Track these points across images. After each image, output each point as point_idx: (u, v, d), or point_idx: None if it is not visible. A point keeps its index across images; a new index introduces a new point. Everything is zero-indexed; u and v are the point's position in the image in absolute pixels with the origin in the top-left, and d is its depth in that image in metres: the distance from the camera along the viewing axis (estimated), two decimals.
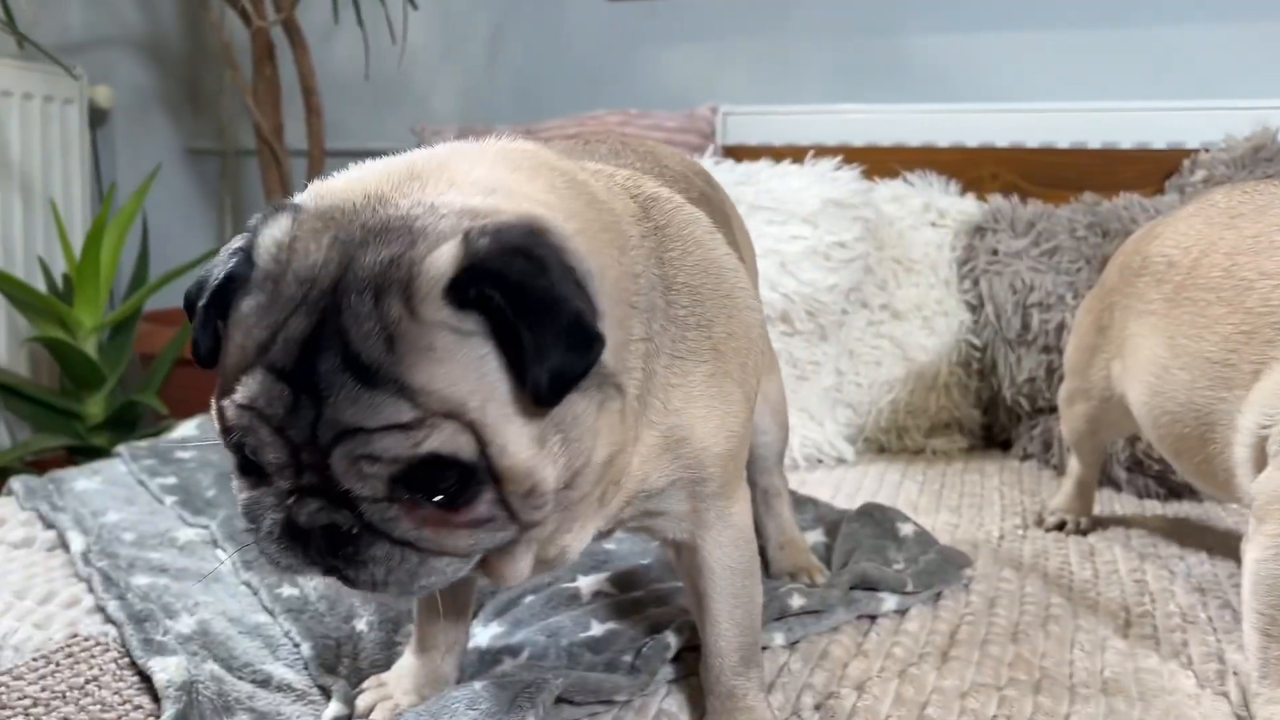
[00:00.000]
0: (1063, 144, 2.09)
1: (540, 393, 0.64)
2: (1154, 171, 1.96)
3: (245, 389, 0.65)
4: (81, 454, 2.05)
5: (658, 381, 0.78)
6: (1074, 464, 1.50)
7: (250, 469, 0.69)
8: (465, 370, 0.64)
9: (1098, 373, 1.35)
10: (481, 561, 0.71)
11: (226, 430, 0.67)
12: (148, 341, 2.23)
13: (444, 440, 0.63)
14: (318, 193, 0.72)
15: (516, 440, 0.65)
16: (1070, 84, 2.13)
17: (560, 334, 0.64)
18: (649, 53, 2.47)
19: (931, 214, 1.96)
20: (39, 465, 2.04)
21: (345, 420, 0.63)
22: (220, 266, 0.70)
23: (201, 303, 0.70)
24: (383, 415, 0.63)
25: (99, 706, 0.94)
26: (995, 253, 1.86)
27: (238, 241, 0.71)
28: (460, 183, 0.71)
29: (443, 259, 0.64)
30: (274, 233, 0.69)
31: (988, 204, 1.97)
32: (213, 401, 0.70)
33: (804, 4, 2.33)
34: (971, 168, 2.11)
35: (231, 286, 0.69)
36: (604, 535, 0.87)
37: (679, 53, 2.44)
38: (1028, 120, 2.11)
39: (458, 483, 0.65)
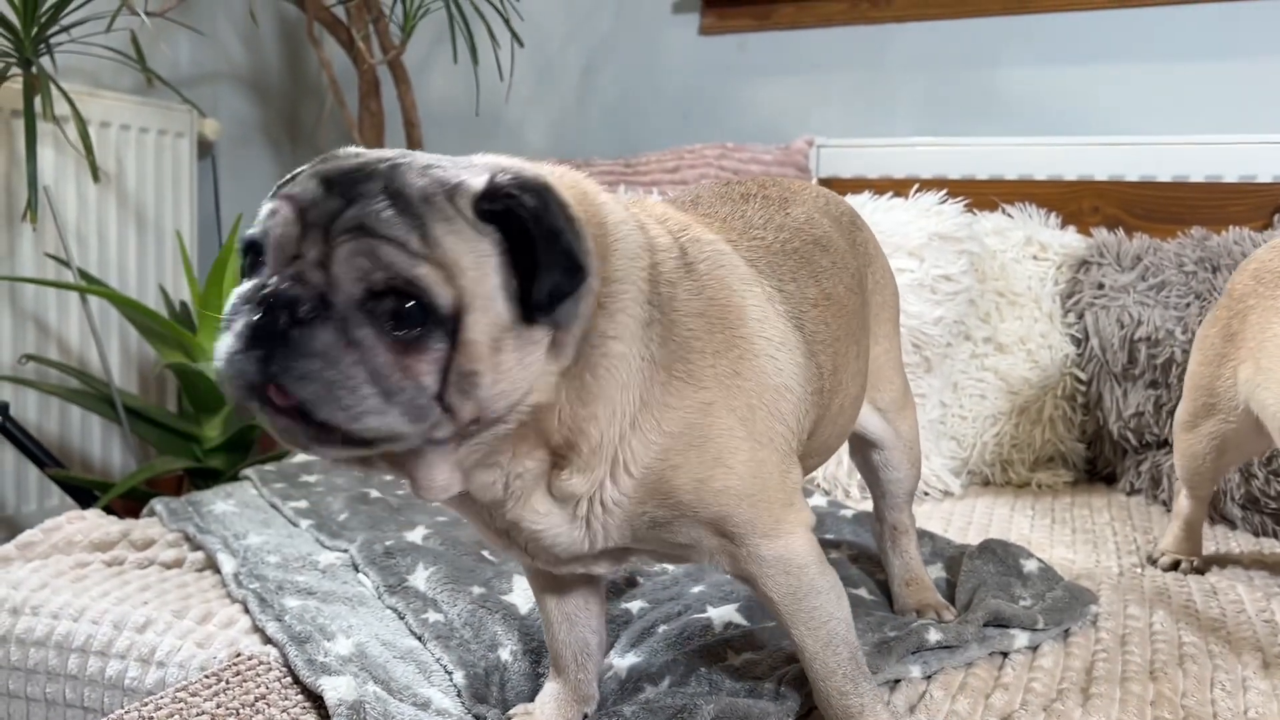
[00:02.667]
0: (1164, 177, 2.08)
1: (539, 300, 0.74)
2: (1263, 205, 1.95)
3: (289, 188, 0.75)
4: (198, 476, 2.13)
5: (650, 398, 0.83)
6: (1182, 502, 1.49)
7: (249, 267, 0.76)
8: (471, 252, 0.74)
9: (1225, 382, 1.35)
10: (401, 465, 0.78)
11: (251, 226, 0.75)
12: None
13: (432, 279, 0.72)
14: None
15: (485, 328, 0.74)
16: (1170, 117, 2.12)
17: (558, 256, 0.75)
18: (741, 86, 2.51)
19: (1034, 247, 1.97)
20: (152, 486, 2.12)
21: (365, 219, 0.72)
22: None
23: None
24: (397, 231, 0.72)
25: None
26: (1101, 286, 1.86)
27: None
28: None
29: (475, 179, 0.76)
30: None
31: (1091, 237, 1.97)
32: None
33: (898, 36, 2.35)
34: (1070, 201, 2.11)
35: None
36: (621, 555, 0.91)
37: (772, 86, 2.48)
38: (1127, 153, 2.11)
39: (421, 328, 0.72)
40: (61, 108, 2.05)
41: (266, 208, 0.75)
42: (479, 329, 0.73)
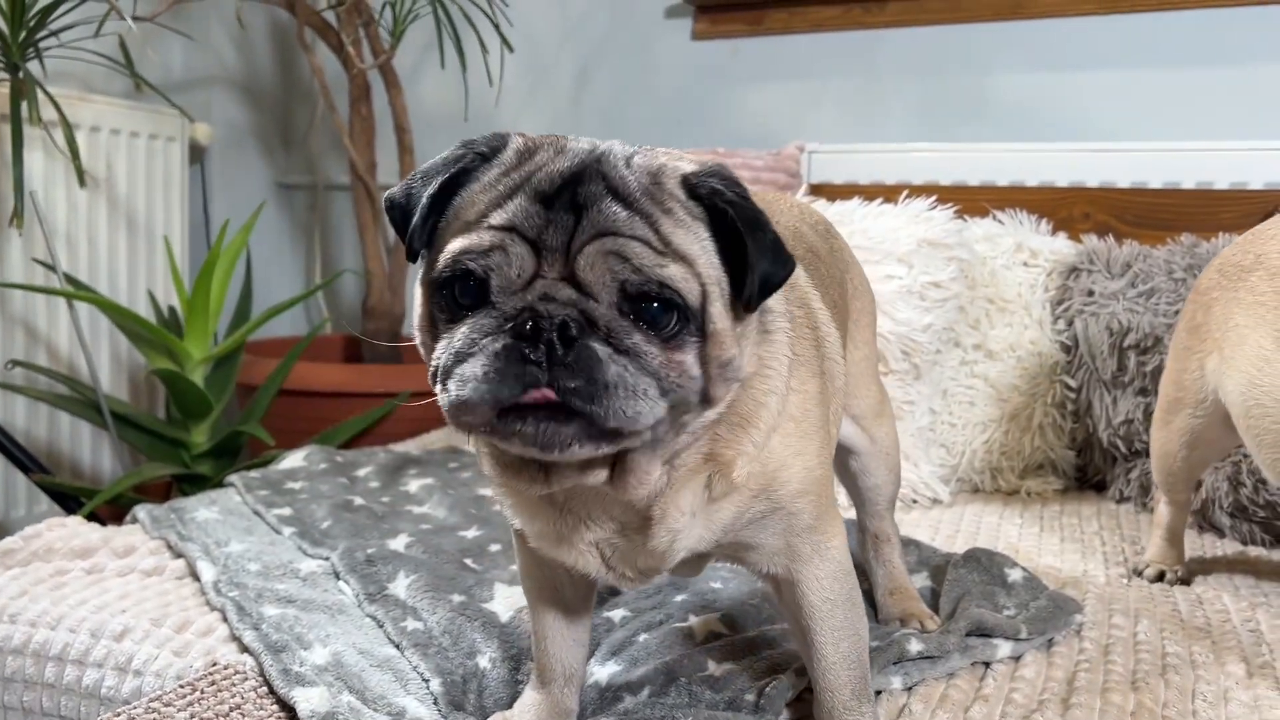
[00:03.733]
0: (1155, 184, 2.07)
1: (751, 291, 0.75)
2: (1255, 211, 1.94)
3: (504, 213, 0.74)
4: (186, 481, 2.12)
5: (779, 411, 0.85)
6: (1161, 510, 1.49)
7: (469, 303, 0.74)
8: (696, 240, 0.75)
9: (1191, 375, 1.35)
10: (614, 466, 0.78)
11: (465, 259, 0.73)
12: (245, 371, 2.30)
13: (680, 275, 0.73)
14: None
15: (724, 315, 0.75)
16: (1162, 123, 2.12)
17: (768, 246, 0.76)
18: (734, 91, 2.50)
19: (1024, 253, 1.96)
20: (140, 491, 2.11)
21: (605, 223, 0.72)
22: (444, 164, 0.78)
23: (429, 190, 0.77)
24: (637, 230, 0.73)
25: None
26: (1091, 293, 1.86)
27: (456, 149, 0.79)
28: None
29: (683, 163, 0.78)
30: (513, 140, 0.79)
31: (1082, 244, 1.96)
32: (419, 287, 0.78)
33: (891, 42, 2.35)
34: (1061, 207, 2.11)
35: (460, 180, 0.77)
36: (701, 560, 0.92)
37: (764, 91, 2.48)
38: (1119, 160, 2.10)
39: (676, 324, 0.73)
40: (50, 113, 2.05)
41: (481, 240, 0.73)
42: (721, 316, 0.75)
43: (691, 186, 0.76)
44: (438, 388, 0.74)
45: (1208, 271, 1.39)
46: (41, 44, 2.06)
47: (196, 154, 2.88)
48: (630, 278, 0.72)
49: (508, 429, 0.71)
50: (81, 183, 2.04)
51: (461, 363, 0.72)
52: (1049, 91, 2.21)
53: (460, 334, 0.73)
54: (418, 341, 0.81)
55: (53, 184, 2.28)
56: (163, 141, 2.61)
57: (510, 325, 0.71)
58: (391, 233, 2.54)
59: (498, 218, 0.73)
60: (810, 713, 1.01)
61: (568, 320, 0.70)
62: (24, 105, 1.97)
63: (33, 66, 2.05)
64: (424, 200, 0.77)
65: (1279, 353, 1.17)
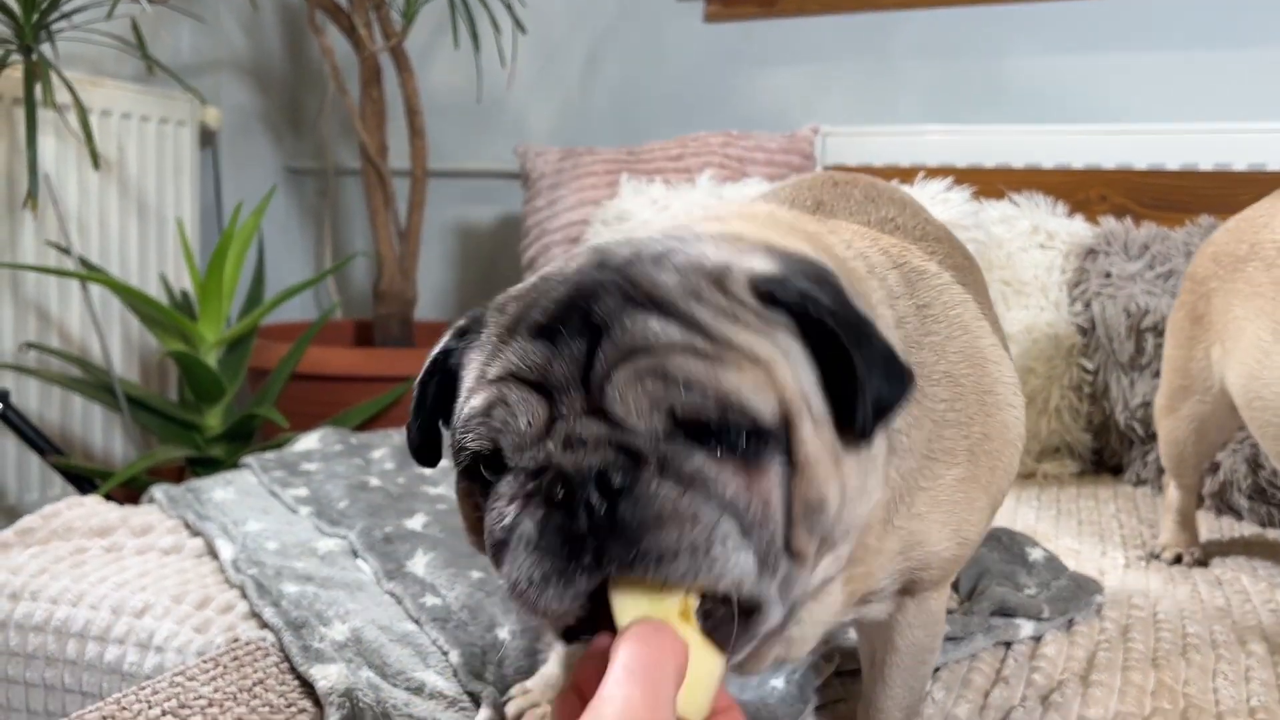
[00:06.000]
0: (1172, 165, 2.06)
1: (865, 421, 0.58)
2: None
3: (498, 364, 0.58)
4: (199, 465, 2.12)
5: (907, 484, 0.71)
6: (1171, 494, 1.48)
7: (493, 475, 0.59)
8: (770, 343, 0.58)
9: (1198, 363, 1.35)
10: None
11: (467, 432, 0.59)
12: (258, 356, 2.30)
13: (745, 383, 0.55)
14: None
15: (816, 438, 0.57)
16: (1179, 105, 2.10)
17: (878, 360, 0.58)
18: (746, 74, 2.49)
19: (1040, 236, 1.95)
20: (154, 474, 2.11)
21: (634, 339, 0.55)
22: (438, 346, 0.66)
23: (418, 379, 0.66)
24: (675, 337, 0.55)
25: (267, 708, 0.98)
26: (1108, 275, 1.85)
27: (436, 348, 0.66)
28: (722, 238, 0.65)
29: (754, 259, 0.60)
30: (494, 303, 0.65)
31: (1099, 226, 1.95)
32: (452, 439, 0.63)
33: (905, 24, 2.33)
34: (1078, 189, 2.10)
35: (448, 361, 0.65)
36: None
37: (777, 74, 2.46)
38: (1135, 142, 2.09)
39: (752, 444, 0.55)
40: (62, 96, 2.04)
41: (477, 403, 0.58)
42: (813, 441, 0.57)
43: (766, 292, 0.58)
44: None
45: (1201, 259, 1.38)
46: (54, 26, 2.06)
47: (207, 138, 2.88)
48: (680, 399, 0.54)
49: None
50: (95, 164, 2.04)
51: (501, 552, 0.57)
52: (1065, 73, 2.20)
53: (492, 514, 0.58)
54: (469, 540, 0.67)
55: (64, 168, 2.27)
56: (173, 125, 2.60)
57: (532, 489, 0.55)
58: (403, 216, 2.53)
59: (493, 370, 0.59)
60: (837, 698, 1.01)
61: (605, 470, 0.53)
62: (38, 88, 1.96)
63: (45, 50, 2.04)
64: (413, 402, 0.66)
65: (1276, 344, 1.16)
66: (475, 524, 0.63)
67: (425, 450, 0.68)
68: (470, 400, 0.60)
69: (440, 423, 0.68)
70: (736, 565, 0.54)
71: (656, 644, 0.52)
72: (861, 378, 0.57)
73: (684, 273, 0.59)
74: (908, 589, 0.80)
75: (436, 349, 0.67)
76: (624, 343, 0.56)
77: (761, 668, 0.65)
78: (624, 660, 0.52)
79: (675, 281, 0.58)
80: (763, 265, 0.61)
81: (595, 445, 0.54)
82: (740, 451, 0.55)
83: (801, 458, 0.57)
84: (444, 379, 0.66)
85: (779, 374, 0.57)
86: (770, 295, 0.59)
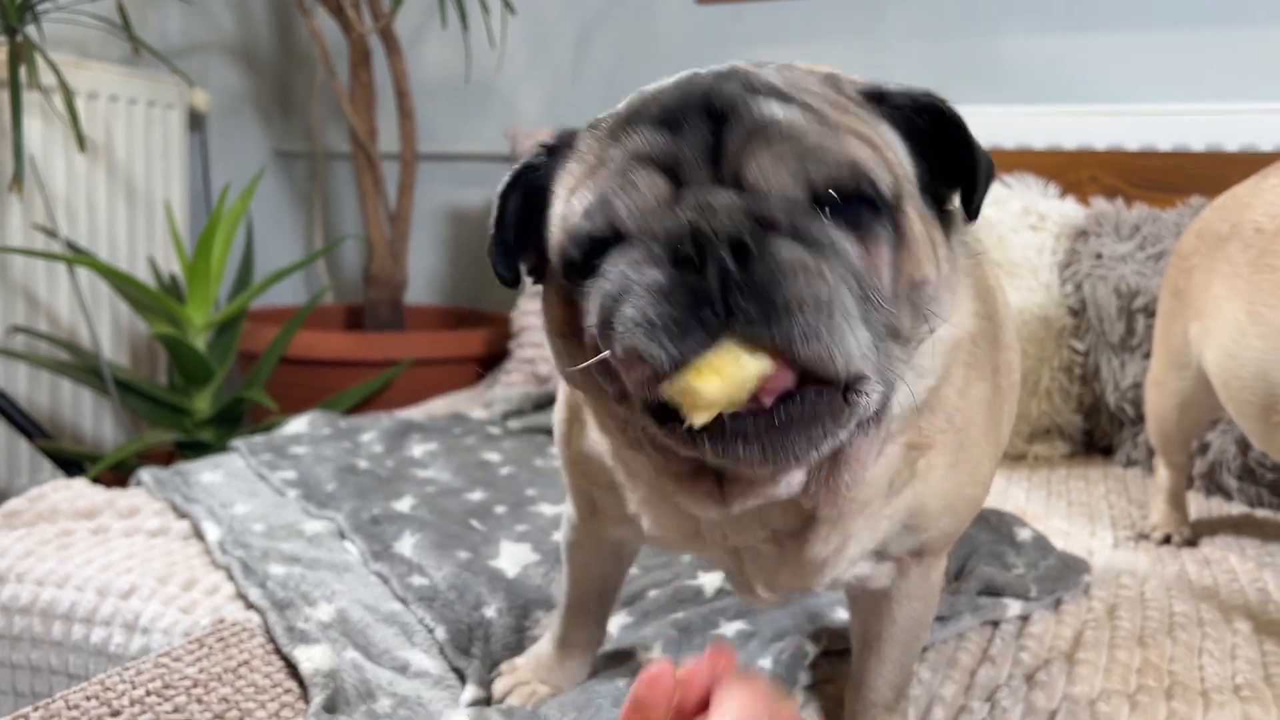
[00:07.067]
0: (1164, 146, 2.05)
1: (978, 201, 0.62)
2: None
3: (616, 153, 0.58)
4: (188, 448, 2.12)
5: (949, 377, 0.68)
6: (1161, 474, 1.48)
7: (603, 256, 0.57)
8: (878, 133, 0.61)
9: (1177, 339, 1.35)
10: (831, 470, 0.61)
11: (580, 216, 0.58)
12: (247, 340, 2.29)
13: (866, 156, 0.58)
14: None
15: (919, 222, 0.60)
16: (1171, 85, 2.09)
17: (981, 158, 0.63)
18: (738, 55, 2.46)
19: (1031, 217, 1.94)
20: (143, 458, 2.11)
21: (760, 119, 0.56)
22: (517, 166, 0.66)
23: (499, 193, 0.66)
24: (797, 119, 0.57)
25: (253, 688, 0.98)
26: (1099, 256, 1.84)
27: (519, 164, 0.66)
28: None
29: (859, 77, 0.65)
30: (589, 123, 0.65)
31: (1090, 207, 1.95)
32: (555, 250, 0.62)
33: (896, 5, 2.32)
34: (1069, 170, 2.09)
35: (531, 176, 0.65)
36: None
37: (767, 54, 2.43)
38: (1127, 123, 2.08)
39: (873, 220, 0.57)
40: (48, 78, 2.02)
41: (590, 195, 0.58)
42: (917, 225, 0.60)
43: (873, 92, 0.63)
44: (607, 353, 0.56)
45: (1188, 235, 1.38)
46: (39, 7, 2.04)
47: (195, 121, 2.86)
48: (812, 168, 0.55)
49: (722, 443, 0.54)
50: (81, 146, 2.02)
51: (618, 305, 0.55)
52: (1057, 54, 2.19)
53: (610, 276, 0.56)
54: (552, 351, 0.67)
55: (51, 151, 2.26)
56: (161, 108, 2.58)
57: (661, 248, 0.54)
58: (393, 199, 2.52)
59: (611, 162, 0.58)
60: (829, 675, 1.01)
61: (740, 233, 0.53)
62: (22, 70, 1.94)
63: (30, 31, 2.03)
64: (493, 216, 0.65)
65: (1252, 325, 1.15)
66: (564, 325, 0.62)
67: (508, 267, 0.67)
68: (579, 194, 0.59)
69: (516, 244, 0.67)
70: (852, 336, 0.54)
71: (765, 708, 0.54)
72: (978, 159, 0.62)
73: (792, 73, 0.63)
74: (920, 548, 0.78)
75: (519, 164, 0.66)
76: (753, 122, 0.57)
77: (831, 501, 0.63)
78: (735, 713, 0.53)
79: (787, 78, 0.61)
80: (861, 79, 0.66)
81: (727, 212, 0.54)
82: (860, 224, 0.57)
83: (909, 233, 0.59)
84: (527, 196, 0.65)
85: (890, 155, 0.60)
86: (878, 96, 0.64)
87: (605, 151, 0.60)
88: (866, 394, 0.56)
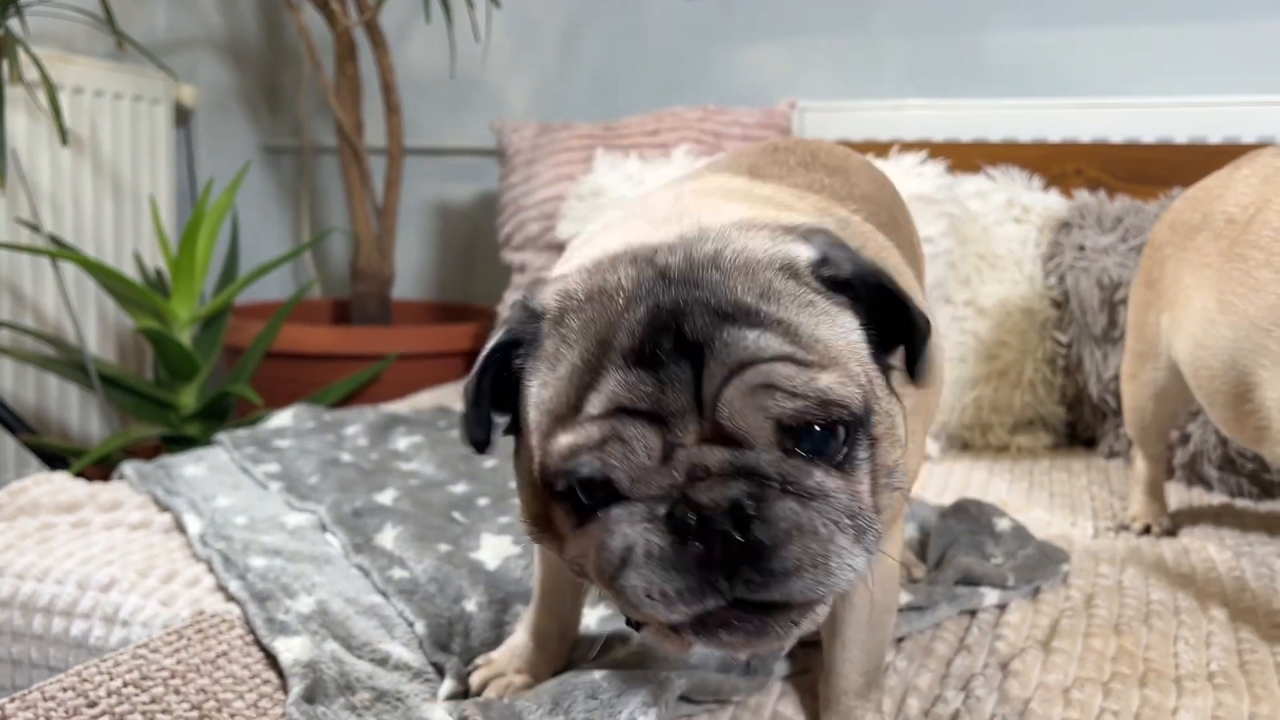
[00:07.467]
0: (1148, 139, 2.06)
1: (924, 368, 0.64)
2: None
3: (600, 397, 0.60)
4: (174, 443, 2.12)
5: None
6: (1139, 465, 1.49)
7: (597, 502, 0.61)
8: (844, 334, 0.63)
9: (1150, 329, 1.36)
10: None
11: (578, 462, 0.61)
12: (233, 334, 2.29)
13: (836, 383, 0.60)
14: (577, 269, 0.67)
15: (885, 411, 0.63)
16: (1154, 78, 2.10)
17: (917, 321, 0.65)
18: (726, 49, 2.48)
19: (1015, 210, 1.95)
20: (128, 453, 2.11)
21: (736, 354, 0.58)
22: (493, 341, 0.67)
23: (475, 371, 0.68)
24: (773, 347, 0.59)
25: (231, 679, 0.98)
26: (1082, 249, 1.85)
27: (496, 335, 0.67)
28: (725, 214, 0.70)
29: (804, 247, 0.64)
30: (553, 289, 0.66)
31: (1073, 199, 1.95)
32: (534, 458, 0.65)
33: None
34: (1054, 163, 2.10)
35: (512, 353, 0.67)
36: None
37: (756, 49, 2.45)
38: (1111, 115, 2.09)
39: (846, 444, 0.60)
40: (32, 74, 2.02)
41: (589, 435, 0.60)
42: (883, 416, 0.63)
43: (829, 276, 0.63)
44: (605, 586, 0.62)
45: (1160, 225, 1.39)
46: (23, 1, 2.03)
47: (182, 116, 2.85)
48: (784, 408, 0.58)
49: (706, 636, 0.60)
50: (63, 140, 2.02)
51: (622, 569, 0.59)
52: (1043, 47, 2.19)
53: (613, 536, 0.60)
54: (526, 530, 0.71)
55: (36, 146, 2.25)
56: (147, 103, 2.58)
57: (663, 518, 0.58)
58: (380, 194, 2.52)
59: (595, 404, 0.60)
60: (806, 665, 1.01)
61: (739, 500, 0.57)
62: (4, 64, 1.94)
63: (14, 25, 2.02)
64: (471, 393, 0.68)
65: (1221, 314, 1.16)
66: (537, 511, 0.67)
67: (484, 440, 0.71)
68: (577, 430, 0.61)
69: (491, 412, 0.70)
70: (850, 570, 0.59)
71: None
72: (921, 329, 0.63)
73: (750, 272, 0.62)
74: None
75: (491, 346, 0.68)
76: (729, 359, 0.59)
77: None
78: None
79: (749, 284, 0.61)
80: (807, 250, 0.64)
81: (721, 473, 0.58)
82: (838, 451, 0.60)
83: (878, 429, 0.62)
84: (499, 373, 0.68)
85: (854, 365, 0.62)
86: (832, 279, 0.63)
87: (584, 374, 0.61)
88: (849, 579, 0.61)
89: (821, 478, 0.59)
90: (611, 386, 0.60)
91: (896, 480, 0.64)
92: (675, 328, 0.60)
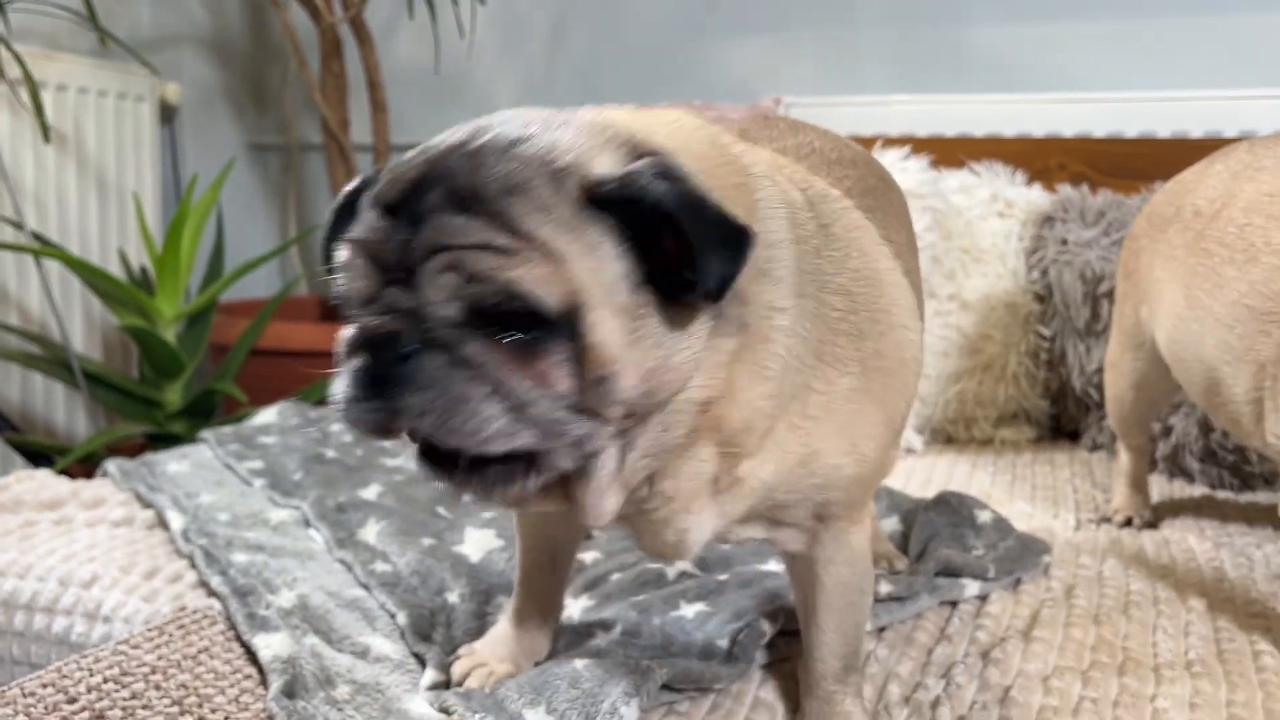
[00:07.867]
0: (1131, 133, 2.07)
1: (706, 285, 0.66)
2: None
3: (360, 227, 0.70)
4: (159, 441, 2.11)
5: (801, 380, 0.76)
6: (1122, 458, 1.50)
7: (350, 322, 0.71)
8: (577, 240, 0.66)
9: (1129, 320, 1.37)
10: (564, 488, 0.72)
11: (337, 274, 0.71)
12: (219, 332, 2.29)
13: (531, 276, 0.64)
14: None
15: (611, 324, 0.66)
16: (1137, 73, 2.11)
17: (713, 229, 0.66)
18: (711, 45, 2.48)
19: (999, 204, 1.96)
20: (114, 451, 2.10)
21: (440, 236, 0.66)
22: (349, 187, 0.75)
23: (331, 208, 0.76)
24: (474, 236, 0.65)
25: (212, 675, 0.98)
26: (1065, 242, 1.86)
27: (351, 185, 0.76)
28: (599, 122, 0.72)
29: (601, 155, 0.68)
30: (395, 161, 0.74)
31: (1056, 194, 1.96)
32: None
33: None
34: (1038, 158, 2.10)
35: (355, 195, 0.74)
36: (722, 539, 0.85)
37: (741, 44, 2.46)
38: (1094, 110, 2.10)
39: (534, 332, 0.65)
40: (14, 70, 2.01)
41: (340, 256, 0.70)
42: (604, 326, 0.66)
43: (592, 188, 0.66)
44: None
45: (1139, 218, 1.40)
46: None
47: (167, 114, 2.84)
48: (470, 290, 0.65)
49: (443, 477, 0.71)
50: (46, 138, 2.01)
51: (339, 368, 0.70)
52: (1026, 42, 2.20)
53: (340, 347, 0.70)
54: None
55: (19, 144, 2.24)
56: (132, 101, 2.57)
57: (358, 338, 0.68)
58: None
59: (356, 230, 0.70)
60: (788, 654, 1.01)
61: (395, 333, 0.66)
62: None
63: None
64: (327, 223, 0.76)
65: (1189, 308, 1.17)
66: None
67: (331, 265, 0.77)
68: (341, 250, 0.71)
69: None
70: (481, 427, 0.66)
71: None
72: (697, 245, 0.65)
73: (522, 163, 0.67)
74: (819, 515, 0.83)
75: (351, 186, 0.76)
76: (432, 239, 0.66)
77: (657, 545, 0.79)
78: None
79: (503, 174, 0.66)
80: (604, 162, 0.68)
81: (401, 316, 0.67)
82: (521, 338, 0.66)
83: (584, 344, 0.66)
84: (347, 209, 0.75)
85: (573, 268, 0.65)
86: (596, 194, 0.66)
87: (364, 214, 0.71)
88: (550, 464, 0.69)
89: (478, 350, 0.66)
90: (365, 221, 0.69)
91: (609, 392, 0.67)
92: (417, 199, 0.67)
